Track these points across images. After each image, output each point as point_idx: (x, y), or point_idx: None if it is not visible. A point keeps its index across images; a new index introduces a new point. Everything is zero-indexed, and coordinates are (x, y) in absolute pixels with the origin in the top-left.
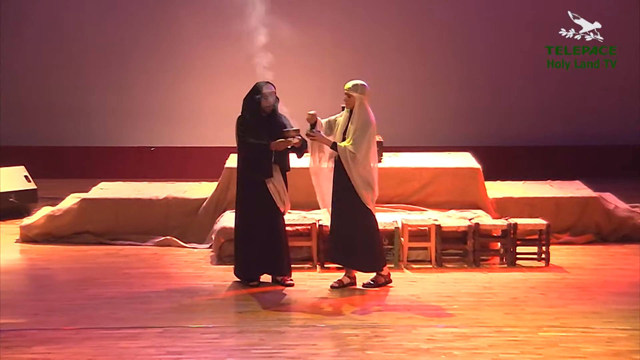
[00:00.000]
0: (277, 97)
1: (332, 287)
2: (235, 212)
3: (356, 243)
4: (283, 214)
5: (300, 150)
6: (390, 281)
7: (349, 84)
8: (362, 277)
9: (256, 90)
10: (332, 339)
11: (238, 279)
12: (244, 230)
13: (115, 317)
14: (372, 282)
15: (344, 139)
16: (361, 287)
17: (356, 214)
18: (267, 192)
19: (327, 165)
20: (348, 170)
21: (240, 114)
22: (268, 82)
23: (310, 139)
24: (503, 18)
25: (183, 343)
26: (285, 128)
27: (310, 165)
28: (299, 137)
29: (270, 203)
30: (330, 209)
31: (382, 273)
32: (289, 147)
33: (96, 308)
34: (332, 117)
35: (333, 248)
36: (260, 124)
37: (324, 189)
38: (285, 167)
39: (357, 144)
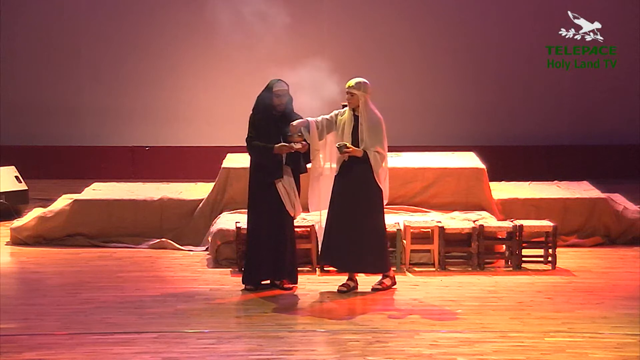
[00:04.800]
0: (290, 96)
1: (339, 291)
2: (247, 213)
3: (367, 245)
4: (293, 218)
5: (308, 156)
6: (395, 283)
7: (352, 82)
8: (362, 281)
9: (268, 88)
10: (332, 344)
11: (236, 283)
12: (252, 231)
13: (109, 322)
14: (380, 287)
15: (353, 140)
16: (362, 291)
17: (372, 216)
18: (276, 193)
19: (330, 168)
20: (377, 171)
21: (251, 112)
22: (280, 80)
23: (345, 154)
24: (507, 16)
25: (179, 349)
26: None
27: (314, 167)
28: (303, 143)
29: (279, 205)
30: (322, 211)
31: (390, 275)
32: (293, 151)
33: (89, 313)
34: (332, 114)
35: (338, 253)
36: (271, 123)
37: (322, 192)
38: (298, 170)
39: (380, 144)
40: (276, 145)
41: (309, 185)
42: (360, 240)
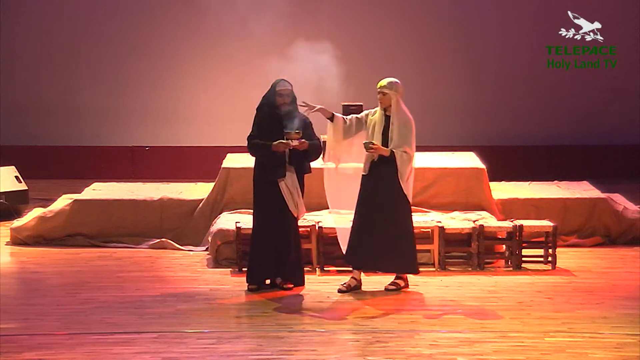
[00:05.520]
0: (294, 95)
1: (339, 291)
2: (252, 212)
3: (394, 245)
4: (297, 219)
5: (311, 155)
6: (408, 286)
7: (384, 82)
8: (363, 282)
9: (272, 87)
10: (332, 344)
11: (236, 283)
12: (255, 230)
13: (109, 322)
14: (393, 287)
15: (383, 140)
16: (361, 291)
17: (401, 216)
18: (280, 193)
19: (354, 167)
20: (402, 172)
21: (256, 111)
22: (284, 80)
23: (371, 152)
24: (507, 16)
25: (179, 349)
26: (294, 128)
27: (332, 166)
28: (302, 140)
29: (281, 205)
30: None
31: (403, 276)
32: (291, 148)
33: (89, 313)
34: (363, 114)
35: (365, 253)
36: (275, 123)
37: (343, 191)
38: (302, 170)
39: (408, 144)
40: (274, 143)
41: (325, 182)
42: (387, 240)
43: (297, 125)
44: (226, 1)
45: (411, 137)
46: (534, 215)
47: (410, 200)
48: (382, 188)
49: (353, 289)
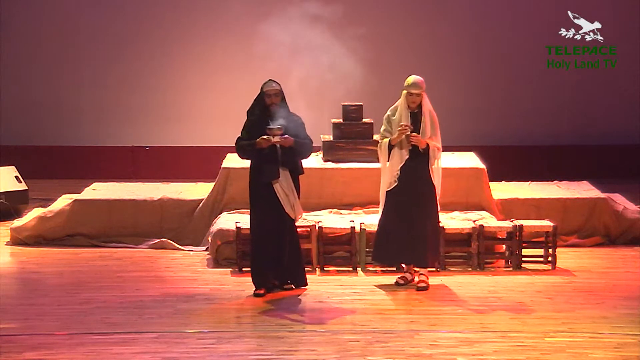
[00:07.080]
0: (282, 95)
1: (397, 283)
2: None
3: (426, 239)
4: (294, 220)
5: (297, 152)
6: (413, 280)
7: (415, 83)
8: (357, 281)
9: (260, 89)
10: (332, 344)
11: (236, 283)
12: (252, 234)
13: (109, 322)
14: (402, 282)
15: None
16: (361, 291)
17: (432, 210)
18: (275, 196)
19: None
20: (434, 166)
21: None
22: (271, 80)
23: (413, 142)
24: (507, 16)
25: (178, 349)
26: (278, 124)
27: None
28: (285, 137)
29: (277, 207)
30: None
31: (410, 271)
32: (276, 145)
33: (89, 313)
34: (386, 124)
35: (396, 249)
36: (265, 123)
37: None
38: (297, 171)
39: (438, 140)
40: (257, 140)
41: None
42: (417, 236)
43: (280, 122)
44: (225, 2)
45: (439, 132)
46: (534, 215)
47: (439, 194)
48: (413, 183)
49: (410, 281)
